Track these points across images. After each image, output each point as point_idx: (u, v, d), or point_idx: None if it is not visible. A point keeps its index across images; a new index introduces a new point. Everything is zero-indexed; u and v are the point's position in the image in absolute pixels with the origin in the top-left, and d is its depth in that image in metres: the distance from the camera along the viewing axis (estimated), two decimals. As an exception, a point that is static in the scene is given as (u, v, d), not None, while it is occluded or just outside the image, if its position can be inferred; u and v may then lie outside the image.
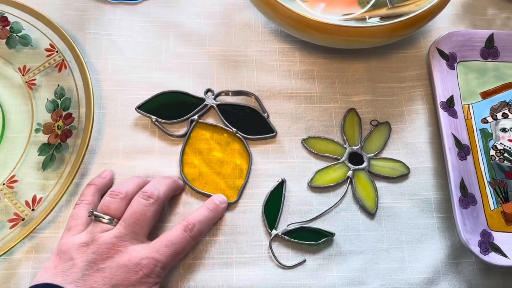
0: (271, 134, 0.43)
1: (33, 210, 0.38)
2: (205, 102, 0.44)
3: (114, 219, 0.35)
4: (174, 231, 0.36)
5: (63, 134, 0.41)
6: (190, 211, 0.39)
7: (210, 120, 0.44)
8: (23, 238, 0.36)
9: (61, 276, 0.32)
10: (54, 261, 0.34)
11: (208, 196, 0.40)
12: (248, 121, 0.43)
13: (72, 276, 0.32)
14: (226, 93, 0.45)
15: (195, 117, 0.43)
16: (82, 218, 0.36)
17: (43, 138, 0.41)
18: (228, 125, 0.43)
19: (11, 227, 0.37)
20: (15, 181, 0.39)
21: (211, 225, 0.39)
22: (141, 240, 0.35)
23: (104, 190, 0.39)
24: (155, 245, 0.35)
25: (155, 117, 0.42)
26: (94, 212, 0.35)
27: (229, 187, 0.41)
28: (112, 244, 0.34)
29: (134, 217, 0.35)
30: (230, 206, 0.40)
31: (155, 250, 0.34)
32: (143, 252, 0.34)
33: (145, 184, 0.38)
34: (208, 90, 0.45)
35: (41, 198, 0.38)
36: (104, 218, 0.35)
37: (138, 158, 0.42)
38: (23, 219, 0.38)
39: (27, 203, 0.38)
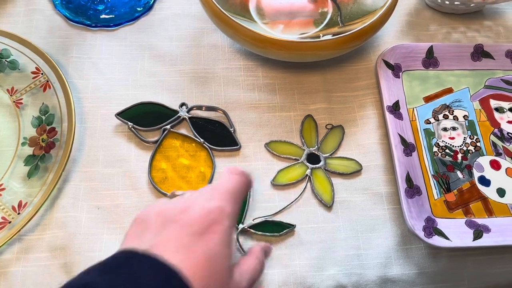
0: (235, 147, 0.47)
1: (19, 213, 0.42)
2: (178, 114, 0.48)
3: None
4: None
5: (47, 146, 0.45)
6: None
7: (181, 130, 0.48)
8: (10, 239, 0.40)
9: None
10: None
11: None
12: (216, 134, 0.47)
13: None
14: (199, 107, 0.49)
15: (168, 126, 0.47)
16: None
17: (28, 150, 0.45)
18: (197, 135, 0.47)
19: (-1, 230, 0.41)
20: (3, 189, 0.43)
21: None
22: None
23: None
24: None
25: (132, 124, 0.47)
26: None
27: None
28: None
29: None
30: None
31: None
32: None
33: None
34: (183, 104, 0.49)
35: (26, 203, 0.42)
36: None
37: (116, 166, 0.46)
38: (9, 222, 0.41)
39: (13, 208, 0.42)
